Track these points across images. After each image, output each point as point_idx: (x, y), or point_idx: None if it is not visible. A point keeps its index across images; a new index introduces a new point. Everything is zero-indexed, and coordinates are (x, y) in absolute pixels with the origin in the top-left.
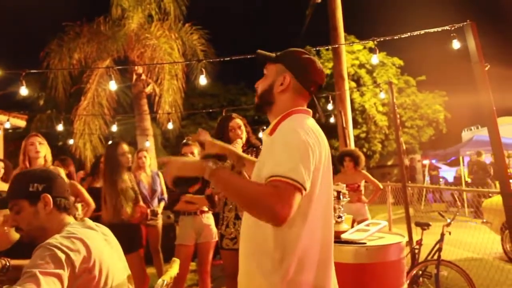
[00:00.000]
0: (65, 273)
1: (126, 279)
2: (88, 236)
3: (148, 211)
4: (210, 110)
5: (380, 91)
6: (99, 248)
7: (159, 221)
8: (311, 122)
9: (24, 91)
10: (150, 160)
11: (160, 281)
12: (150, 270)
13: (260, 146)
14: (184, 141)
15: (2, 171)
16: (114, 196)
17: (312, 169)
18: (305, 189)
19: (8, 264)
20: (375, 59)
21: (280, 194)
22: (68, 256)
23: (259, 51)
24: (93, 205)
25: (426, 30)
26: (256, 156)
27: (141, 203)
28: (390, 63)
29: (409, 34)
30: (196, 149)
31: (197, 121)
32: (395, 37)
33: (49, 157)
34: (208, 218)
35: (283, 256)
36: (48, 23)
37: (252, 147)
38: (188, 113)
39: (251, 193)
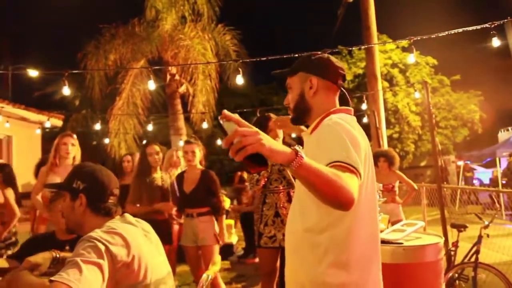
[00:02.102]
0: (105, 264)
1: (166, 274)
2: (127, 231)
3: (174, 210)
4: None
5: (415, 90)
6: (138, 243)
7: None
8: (352, 118)
9: (66, 90)
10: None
11: (204, 276)
12: (183, 268)
13: (294, 146)
14: (187, 139)
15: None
16: (139, 193)
17: (362, 158)
18: (360, 176)
19: (58, 256)
20: (411, 58)
21: (345, 182)
22: (107, 248)
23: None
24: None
25: (465, 28)
26: None
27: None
28: (423, 62)
29: (447, 32)
30: (197, 148)
31: None
32: (432, 36)
33: (78, 158)
34: (207, 222)
35: (326, 250)
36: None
37: (287, 145)
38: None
39: (333, 180)
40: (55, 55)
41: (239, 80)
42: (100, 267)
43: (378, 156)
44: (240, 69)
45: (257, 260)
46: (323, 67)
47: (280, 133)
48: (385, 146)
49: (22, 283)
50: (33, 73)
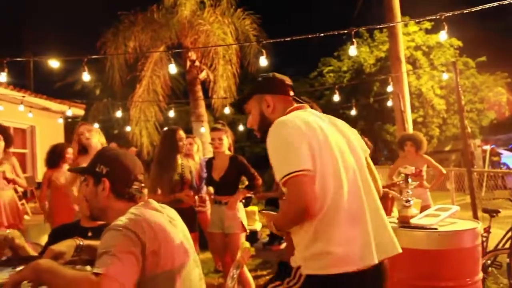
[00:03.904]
0: (138, 252)
1: (192, 262)
2: (153, 217)
3: (196, 197)
4: None
5: (442, 72)
6: (164, 229)
7: (208, 207)
8: (300, 113)
9: (86, 76)
10: (199, 146)
11: (236, 263)
12: (207, 255)
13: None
14: (214, 125)
15: (71, 156)
16: (161, 181)
17: (306, 147)
18: (307, 170)
19: (81, 243)
20: (443, 35)
21: (295, 192)
22: (137, 236)
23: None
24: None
25: (500, 2)
26: None
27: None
28: (447, 44)
29: (480, 7)
30: (224, 135)
31: None
32: (464, 11)
33: (103, 142)
34: (234, 209)
35: (309, 233)
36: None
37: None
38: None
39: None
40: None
41: (263, 61)
42: (135, 255)
43: (404, 140)
44: (263, 51)
45: (282, 246)
46: (272, 84)
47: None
48: (410, 129)
49: (55, 273)
50: (53, 62)
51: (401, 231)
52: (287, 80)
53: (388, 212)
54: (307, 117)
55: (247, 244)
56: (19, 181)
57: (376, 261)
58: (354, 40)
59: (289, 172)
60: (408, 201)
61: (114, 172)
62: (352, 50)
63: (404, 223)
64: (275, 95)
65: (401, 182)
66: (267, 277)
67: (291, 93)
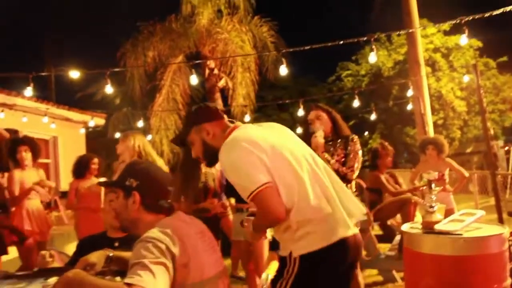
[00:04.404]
0: (169, 263)
1: (221, 272)
2: (182, 229)
3: (219, 203)
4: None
5: (464, 74)
6: (193, 241)
7: (230, 214)
8: (235, 136)
9: (109, 89)
10: None
11: (264, 275)
12: (227, 261)
13: (351, 136)
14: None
15: (97, 167)
16: (187, 188)
17: (259, 162)
18: (267, 182)
19: (111, 255)
20: (463, 39)
21: (263, 206)
22: (167, 247)
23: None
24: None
25: None
26: (344, 148)
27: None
28: (467, 45)
29: (502, 10)
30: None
31: (268, 113)
32: (485, 15)
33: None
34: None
35: (289, 225)
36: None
37: (340, 138)
38: (259, 105)
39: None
40: (94, 55)
41: (283, 70)
42: (166, 266)
43: (426, 144)
44: (283, 59)
45: None
46: (207, 113)
47: (326, 123)
48: (431, 132)
49: (86, 283)
50: (74, 74)
51: (426, 236)
52: (219, 105)
53: (411, 217)
54: (248, 134)
55: (274, 256)
56: (39, 189)
57: (351, 227)
58: (373, 47)
59: (252, 190)
60: (431, 206)
61: (144, 185)
62: (372, 57)
63: (428, 228)
64: (212, 122)
65: (424, 187)
66: None
67: (225, 117)
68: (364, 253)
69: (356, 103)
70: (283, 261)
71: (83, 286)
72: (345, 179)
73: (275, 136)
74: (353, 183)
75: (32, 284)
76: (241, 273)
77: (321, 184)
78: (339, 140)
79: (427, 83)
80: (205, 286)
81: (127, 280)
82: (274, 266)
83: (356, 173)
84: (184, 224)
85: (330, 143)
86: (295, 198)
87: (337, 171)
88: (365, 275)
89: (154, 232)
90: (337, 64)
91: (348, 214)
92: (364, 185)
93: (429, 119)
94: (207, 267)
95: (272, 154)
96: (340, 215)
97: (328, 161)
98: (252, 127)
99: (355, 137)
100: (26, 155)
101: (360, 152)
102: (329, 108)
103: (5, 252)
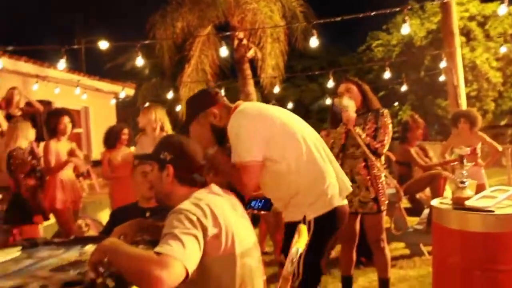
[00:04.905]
0: (200, 235)
1: (253, 246)
2: (215, 202)
3: None
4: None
5: (501, 44)
6: (226, 214)
7: None
8: (247, 106)
9: (140, 61)
10: None
11: (294, 249)
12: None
13: (381, 110)
14: None
15: (127, 137)
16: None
17: (259, 138)
18: (254, 160)
19: (144, 225)
20: (502, 9)
21: (245, 177)
22: (199, 219)
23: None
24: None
25: None
26: (375, 122)
27: None
28: (506, 13)
29: None
30: None
31: (297, 83)
32: None
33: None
34: None
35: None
36: None
37: (370, 111)
38: (288, 76)
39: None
40: (124, 25)
41: (313, 42)
42: (196, 238)
43: (458, 117)
44: (314, 31)
45: None
46: (210, 98)
47: (357, 96)
48: (464, 105)
49: (120, 251)
50: (104, 45)
51: (455, 212)
52: (216, 89)
53: (441, 192)
54: (259, 107)
55: (304, 229)
56: (77, 161)
57: (344, 198)
58: (406, 18)
59: (243, 159)
60: (462, 182)
61: (178, 159)
62: (405, 29)
63: (458, 204)
64: (216, 105)
65: (456, 163)
66: None
67: (225, 99)
68: (392, 226)
69: (386, 74)
70: (294, 226)
71: (118, 254)
72: (376, 153)
73: (284, 115)
74: (383, 156)
75: (70, 251)
76: (267, 248)
77: (323, 155)
78: (369, 114)
79: (462, 53)
80: (236, 258)
81: (157, 249)
82: (303, 239)
83: (386, 147)
84: (216, 196)
85: (360, 116)
86: (300, 163)
87: (368, 146)
88: (392, 248)
89: (186, 204)
90: (368, 34)
91: (344, 187)
92: (394, 158)
93: (462, 91)
94: (239, 240)
95: (280, 124)
96: (340, 179)
97: (359, 136)
98: (261, 104)
99: (385, 111)
100: (69, 126)
101: (390, 126)
102: (359, 81)
103: (47, 218)
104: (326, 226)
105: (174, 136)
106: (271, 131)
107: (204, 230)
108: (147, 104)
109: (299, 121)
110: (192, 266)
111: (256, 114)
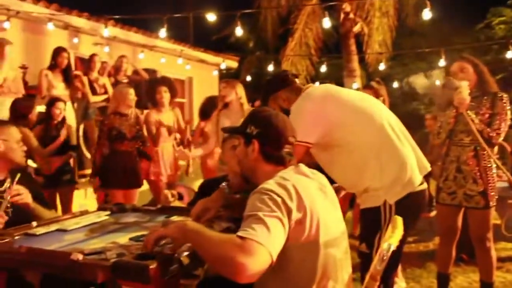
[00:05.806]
0: (285, 218)
1: (340, 234)
2: (301, 183)
3: None
4: (426, 50)
5: None
6: (312, 197)
7: None
8: (316, 88)
9: (239, 31)
10: None
11: (386, 245)
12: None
13: (499, 94)
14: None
15: None
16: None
17: (317, 124)
18: (306, 142)
19: (228, 201)
20: None
21: (296, 154)
22: (284, 201)
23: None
24: None
25: None
26: (491, 107)
27: None
28: None
29: None
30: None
31: (404, 62)
32: None
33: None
34: None
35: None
36: None
37: (486, 95)
38: (395, 53)
39: None
40: None
41: (426, 14)
42: (281, 220)
43: None
44: (427, 2)
45: (431, 214)
46: (280, 81)
47: (470, 75)
48: None
49: (201, 235)
50: (210, 16)
51: None
52: (288, 70)
53: None
54: (329, 88)
55: (400, 222)
56: (183, 155)
57: (429, 169)
58: None
59: (297, 138)
60: None
61: (265, 134)
62: None
63: None
64: (286, 88)
65: None
66: (413, 245)
67: (296, 80)
68: (502, 225)
69: (509, 54)
70: (374, 212)
71: (196, 235)
72: (489, 142)
73: (359, 98)
74: (496, 146)
75: (155, 219)
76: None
77: (402, 139)
78: (484, 97)
79: None
80: (319, 246)
81: (240, 233)
82: (398, 234)
83: (502, 136)
84: (304, 177)
85: (474, 100)
86: (376, 144)
87: (481, 133)
88: (498, 248)
89: (271, 184)
90: (488, 10)
91: (422, 166)
92: (509, 149)
93: None
94: (324, 227)
95: (353, 113)
96: (419, 165)
97: (472, 121)
98: (332, 86)
99: (504, 95)
100: (165, 95)
101: (509, 113)
102: (475, 60)
103: (141, 184)
104: (410, 209)
105: (265, 110)
106: (337, 115)
107: (289, 213)
108: (227, 80)
109: (373, 103)
110: (277, 252)
111: (320, 97)
